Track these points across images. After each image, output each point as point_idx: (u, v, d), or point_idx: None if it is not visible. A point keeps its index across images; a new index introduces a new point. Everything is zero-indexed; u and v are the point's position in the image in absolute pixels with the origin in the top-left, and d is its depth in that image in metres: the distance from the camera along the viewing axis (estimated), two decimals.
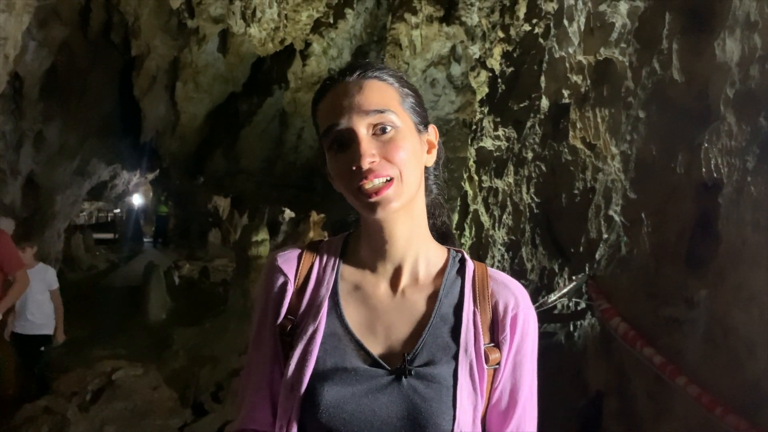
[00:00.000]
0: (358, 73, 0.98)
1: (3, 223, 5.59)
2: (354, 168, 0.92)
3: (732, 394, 1.97)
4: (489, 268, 1.06)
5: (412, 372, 0.93)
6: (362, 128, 0.94)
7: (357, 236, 1.06)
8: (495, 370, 0.99)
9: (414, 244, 1.02)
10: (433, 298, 1.01)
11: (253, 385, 1.03)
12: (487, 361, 0.97)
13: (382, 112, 0.94)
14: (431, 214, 1.09)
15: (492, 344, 0.99)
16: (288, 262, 1.04)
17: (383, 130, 0.94)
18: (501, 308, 1.00)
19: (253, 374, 1.04)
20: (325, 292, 1.01)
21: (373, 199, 0.92)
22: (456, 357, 0.96)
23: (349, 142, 0.94)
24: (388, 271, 1.02)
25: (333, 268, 1.03)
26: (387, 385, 0.93)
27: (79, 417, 5.07)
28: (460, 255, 1.07)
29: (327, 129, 0.96)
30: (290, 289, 1.02)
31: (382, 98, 0.96)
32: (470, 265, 1.05)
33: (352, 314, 1.00)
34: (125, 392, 5.55)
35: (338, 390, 0.92)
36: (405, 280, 1.02)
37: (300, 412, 0.94)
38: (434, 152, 1.05)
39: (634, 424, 2.52)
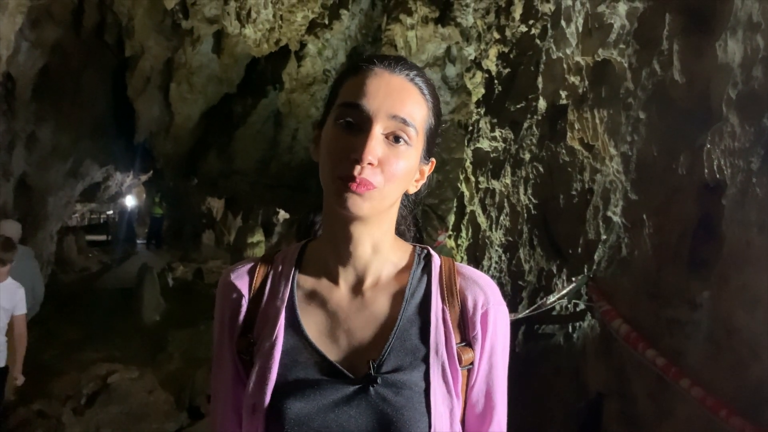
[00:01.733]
0: (405, 73, 0.93)
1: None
2: (351, 156, 0.87)
3: (735, 395, 1.96)
4: (457, 263, 1.00)
5: (379, 380, 0.88)
6: (381, 126, 0.89)
7: (317, 244, 1.02)
8: (469, 370, 0.94)
9: (379, 255, 0.97)
10: (398, 299, 0.95)
11: (220, 407, 1.00)
12: (460, 361, 0.92)
13: (407, 124, 0.90)
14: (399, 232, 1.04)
15: (463, 344, 0.94)
16: (241, 277, 1.00)
17: (396, 140, 0.90)
18: (470, 305, 0.95)
19: (219, 395, 1.00)
20: (281, 303, 0.95)
21: (351, 189, 0.86)
22: (426, 359, 0.91)
23: (359, 127, 0.89)
24: (349, 275, 0.97)
25: (288, 278, 0.98)
26: (353, 396, 0.88)
27: (74, 421, 5.05)
28: (425, 251, 1.02)
29: (346, 103, 0.90)
30: (244, 305, 0.98)
31: (413, 110, 0.91)
32: (436, 260, 1.00)
33: (310, 324, 0.94)
34: (121, 396, 5.52)
35: (302, 406, 0.88)
36: (367, 282, 0.97)
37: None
38: (420, 184, 1.00)
39: (635, 426, 2.51)
